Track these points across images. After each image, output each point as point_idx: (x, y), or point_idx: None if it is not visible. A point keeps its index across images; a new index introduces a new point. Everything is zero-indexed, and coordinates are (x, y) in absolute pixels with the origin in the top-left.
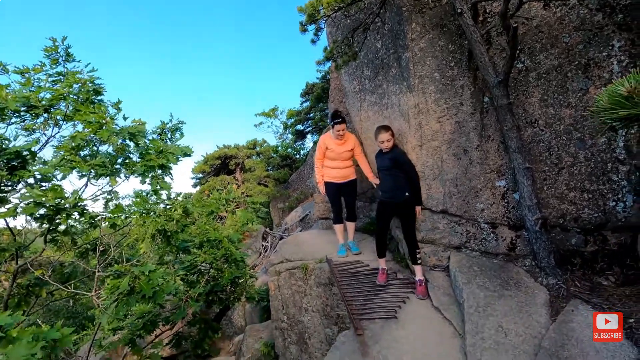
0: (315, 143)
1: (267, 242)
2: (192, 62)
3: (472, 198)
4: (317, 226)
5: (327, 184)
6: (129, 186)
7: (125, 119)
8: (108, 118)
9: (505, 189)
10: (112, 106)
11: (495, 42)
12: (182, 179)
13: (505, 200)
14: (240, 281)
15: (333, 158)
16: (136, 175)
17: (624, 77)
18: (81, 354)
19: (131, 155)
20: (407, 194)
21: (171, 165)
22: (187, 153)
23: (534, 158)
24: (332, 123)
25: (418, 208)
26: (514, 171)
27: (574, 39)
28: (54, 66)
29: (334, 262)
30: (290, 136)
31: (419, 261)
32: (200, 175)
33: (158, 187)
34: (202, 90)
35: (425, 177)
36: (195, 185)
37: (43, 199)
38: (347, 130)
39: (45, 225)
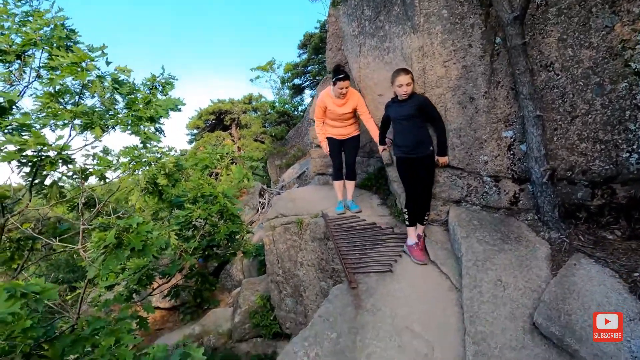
0: (313, 98)
1: (264, 199)
2: (183, 12)
3: (475, 150)
4: (313, 182)
5: (328, 139)
6: (116, 142)
7: (108, 63)
8: (88, 61)
9: (512, 139)
10: (92, 50)
11: None
12: (177, 136)
13: (511, 152)
14: (236, 237)
15: (333, 118)
16: (123, 126)
17: None
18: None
19: (116, 106)
20: (430, 147)
21: (161, 118)
22: (178, 105)
23: (545, 106)
24: (334, 79)
25: (444, 159)
26: (522, 120)
27: None
28: (19, 3)
29: (329, 217)
30: (287, 91)
31: (425, 222)
32: (195, 131)
33: (146, 138)
34: (194, 42)
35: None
36: (190, 142)
37: (24, 145)
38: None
39: (28, 179)
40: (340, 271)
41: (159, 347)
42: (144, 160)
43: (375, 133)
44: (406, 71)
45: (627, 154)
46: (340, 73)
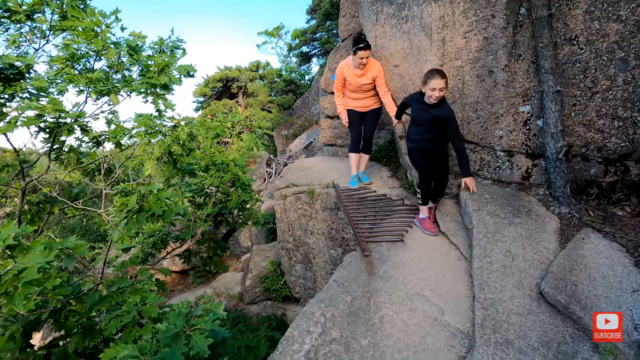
0: (321, 67)
1: (272, 169)
2: None
3: (491, 124)
4: (321, 153)
5: (348, 111)
6: (128, 109)
7: (123, 29)
8: (103, 26)
9: (529, 114)
10: (103, 16)
11: None
12: (184, 103)
13: (527, 127)
14: (247, 205)
15: (353, 90)
16: (137, 94)
17: None
18: (97, 272)
19: (131, 73)
20: (444, 142)
21: (174, 85)
22: (190, 72)
23: (566, 81)
24: (354, 48)
25: (470, 180)
26: (541, 95)
27: None
28: None
29: (340, 188)
30: (294, 59)
31: (438, 201)
32: (202, 98)
33: (162, 106)
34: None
35: None
36: (197, 110)
37: (43, 111)
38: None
39: (47, 144)
40: (350, 240)
41: (182, 304)
42: (159, 130)
43: (391, 107)
44: (442, 74)
45: None
46: (362, 42)
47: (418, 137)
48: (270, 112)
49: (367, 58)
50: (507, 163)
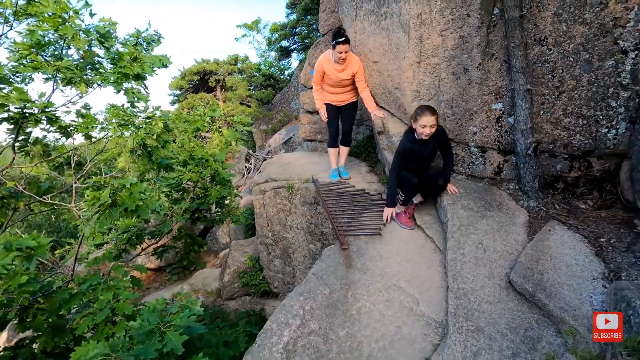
0: (301, 62)
1: (250, 164)
2: None
3: (466, 121)
4: (301, 149)
5: (325, 105)
6: (100, 101)
7: (92, 15)
8: (71, 12)
9: (501, 112)
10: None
11: None
12: (159, 96)
13: (499, 124)
14: (226, 202)
15: (331, 84)
16: (108, 84)
17: None
18: (67, 269)
19: (102, 62)
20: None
21: (147, 75)
22: (164, 63)
23: (535, 80)
24: (333, 42)
25: (452, 187)
26: (513, 93)
27: None
28: None
29: (320, 183)
30: (273, 54)
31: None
32: (178, 92)
33: (134, 98)
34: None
35: (421, 97)
36: (173, 103)
37: (6, 101)
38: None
39: (11, 135)
40: (329, 234)
41: (157, 301)
42: (132, 121)
43: (370, 104)
44: (432, 111)
45: (606, 130)
46: (341, 36)
47: (414, 166)
48: (249, 106)
49: (346, 52)
50: (481, 159)
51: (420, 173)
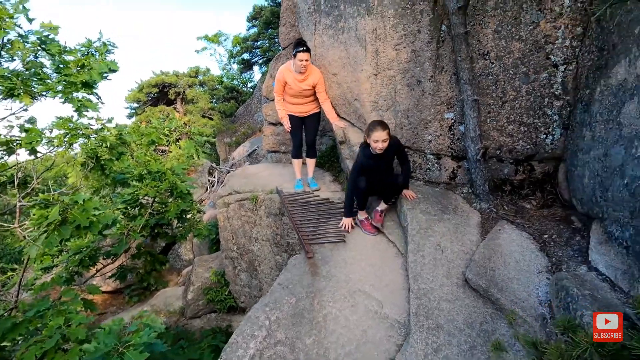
0: (263, 74)
1: (214, 177)
2: None
3: (421, 129)
4: (265, 160)
5: (288, 116)
6: (48, 115)
7: (30, 20)
8: (7, 18)
9: (452, 121)
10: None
11: None
12: (115, 109)
13: (452, 132)
14: (187, 216)
15: (293, 95)
16: (54, 94)
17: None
18: (11, 296)
19: (45, 70)
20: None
21: (96, 82)
22: (112, 68)
23: (481, 91)
24: (294, 52)
25: (410, 192)
26: (462, 103)
27: None
28: None
29: (284, 193)
30: (236, 66)
31: (390, 203)
32: (135, 104)
33: (81, 106)
34: (130, 4)
35: (379, 108)
36: (130, 116)
37: None
38: (310, 61)
39: None
40: (295, 245)
41: (114, 322)
42: (80, 132)
43: (331, 114)
44: (383, 126)
45: (544, 136)
46: (302, 45)
47: (372, 179)
48: (211, 119)
49: (306, 61)
50: (436, 165)
51: (379, 183)
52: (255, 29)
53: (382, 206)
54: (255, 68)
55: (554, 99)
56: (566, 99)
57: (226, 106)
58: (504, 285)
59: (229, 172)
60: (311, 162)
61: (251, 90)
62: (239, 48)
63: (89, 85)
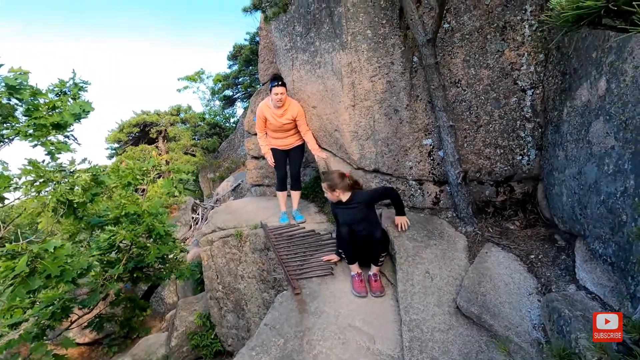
0: (245, 110)
1: (198, 214)
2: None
3: (401, 157)
4: (250, 194)
5: (272, 150)
6: (14, 157)
7: None
8: None
9: (431, 147)
10: None
11: (424, 0)
12: (95, 150)
13: (431, 158)
14: (169, 257)
15: (274, 130)
16: (23, 137)
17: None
18: None
19: (15, 114)
20: (378, 232)
21: (69, 123)
22: (86, 109)
23: (456, 117)
24: (270, 86)
25: (403, 219)
26: (439, 129)
27: (494, 1)
28: None
29: (269, 227)
30: (218, 102)
31: (379, 264)
32: (116, 145)
33: (53, 149)
34: (110, 46)
35: (359, 137)
36: (110, 157)
37: None
38: (287, 95)
39: None
40: (283, 280)
41: None
42: (50, 177)
43: (313, 145)
44: (325, 178)
45: (520, 157)
46: (277, 80)
47: (350, 222)
48: (194, 155)
49: (282, 94)
50: (419, 191)
51: (363, 238)
52: (236, 67)
53: (373, 269)
54: (238, 104)
55: (525, 121)
56: (537, 120)
57: (209, 142)
58: (496, 310)
59: (212, 208)
60: (296, 195)
61: (234, 125)
62: (220, 85)
63: (60, 127)
